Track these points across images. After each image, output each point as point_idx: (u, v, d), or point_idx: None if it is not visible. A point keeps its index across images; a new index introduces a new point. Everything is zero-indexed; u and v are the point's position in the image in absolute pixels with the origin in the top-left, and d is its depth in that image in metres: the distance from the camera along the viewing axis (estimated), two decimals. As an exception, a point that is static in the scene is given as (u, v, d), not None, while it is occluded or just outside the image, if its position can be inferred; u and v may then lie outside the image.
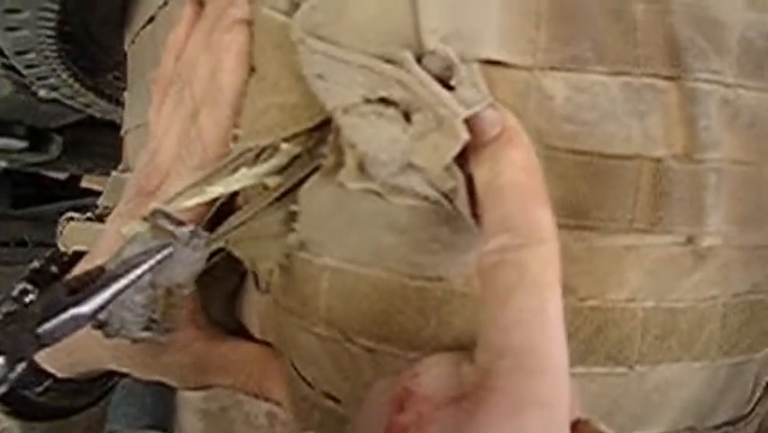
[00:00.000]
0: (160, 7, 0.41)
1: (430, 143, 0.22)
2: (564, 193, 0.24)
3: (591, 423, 0.23)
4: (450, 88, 0.22)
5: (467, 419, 0.19)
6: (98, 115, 0.71)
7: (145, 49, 0.45)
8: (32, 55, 0.52)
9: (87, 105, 0.67)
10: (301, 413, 0.29)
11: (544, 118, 0.24)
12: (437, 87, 0.21)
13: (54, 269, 0.41)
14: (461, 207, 0.23)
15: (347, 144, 0.24)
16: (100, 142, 0.99)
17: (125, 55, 0.52)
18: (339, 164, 0.25)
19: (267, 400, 0.32)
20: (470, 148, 0.22)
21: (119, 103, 0.67)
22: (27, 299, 0.38)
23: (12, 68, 0.58)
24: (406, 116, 0.22)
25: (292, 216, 0.26)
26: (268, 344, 0.32)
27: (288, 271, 0.27)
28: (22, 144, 0.89)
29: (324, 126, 0.26)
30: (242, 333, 0.34)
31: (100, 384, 0.42)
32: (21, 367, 0.37)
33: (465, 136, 0.21)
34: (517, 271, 0.20)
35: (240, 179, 0.27)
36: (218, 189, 0.28)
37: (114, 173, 0.49)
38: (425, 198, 0.24)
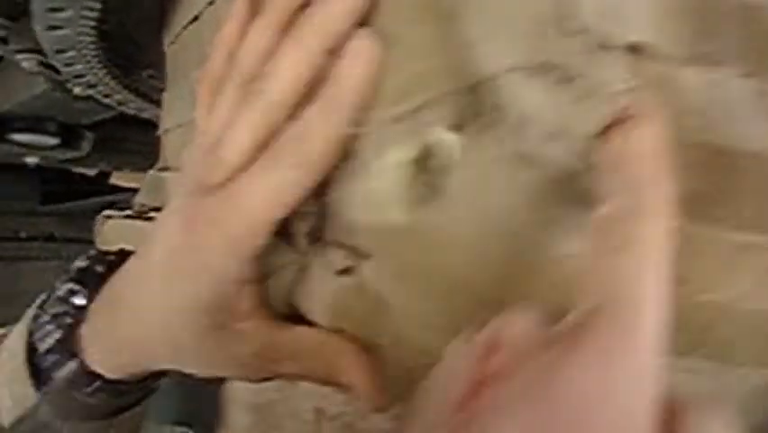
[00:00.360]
0: (207, 6, 0.40)
1: (584, 109, 0.22)
2: (689, 185, 0.24)
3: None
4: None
5: (557, 363, 0.20)
6: (132, 112, 0.71)
7: (188, 48, 0.45)
8: (71, 53, 0.52)
9: (122, 103, 0.67)
10: (411, 384, 0.28)
11: (675, 110, 0.24)
12: (597, 57, 0.22)
13: (100, 268, 0.41)
14: (596, 182, 0.23)
15: (497, 108, 0.24)
16: (130, 138, 1.00)
17: (161, 53, 0.52)
18: (485, 128, 0.25)
19: (335, 385, 0.32)
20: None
21: (153, 101, 0.67)
22: (75, 300, 0.38)
23: (48, 65, 0.58)
24: (564, 81, 0.23)
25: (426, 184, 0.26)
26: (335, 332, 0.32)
27: (412, 237, 0.27)
28: (54, 141, 0.90)
29: (473, 89, 0.25)
30: (303, 325, 0.33)
31: (145, 386, 0.42)
32: (72, 366, 0.38)
33: (617, 107, 0.22)
34: (629, 232, 0.21)
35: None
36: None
37: (151, 172, 0.49)
38: (566, 171, 0.24)
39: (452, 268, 0.26)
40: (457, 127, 0.26)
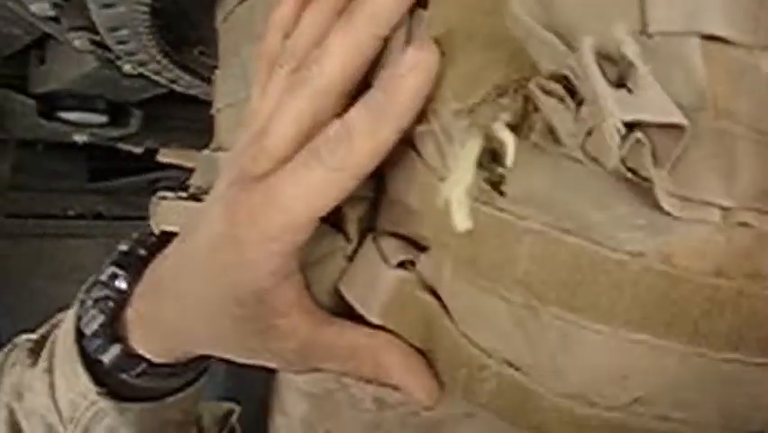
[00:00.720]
0: (261, -17, 0.39)
1: (598, 139, 0.21)
2: None
3: None
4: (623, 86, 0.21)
5: None
6: (181, 89, 0.71)
7: (241, 25, 0.44)
8: (124, 31, 0.51)
9: (173, 81, 0.67)
10: (470, 383, 0.28)
11: (756, 99, 0.23)
12: (600, 83, 0.20)
13: (143, 252, 0.41)
14: (657, 185, 0.22)
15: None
16: (177, 116, 1.00)
17: (213, 31, 0.51)
18: (540, 125, 0.24)
19: (381, 385, 0.31)
20: None
21: (203, 78, 0.67)
22: (118, 284, 0.39)
23: (100, 44, 0.58)
24: (579, 103, 0.21)
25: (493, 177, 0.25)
26: (382, 328, 0.31)
27: (475, 235, 0.26)
28: (102, 119, 0.90)
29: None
30: (351, 318, 0.32)
31: (194, 367, 0.42)
32: (116, 350, 0.38)
33: (615, 144, 0.20)
34: None
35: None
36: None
37: (205, 152, 0.49)
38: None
39: (515, 266, 0.26)
40: (519, 122, 0.25)
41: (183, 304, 0.33)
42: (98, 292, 0.39)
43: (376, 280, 0.30)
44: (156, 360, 0.38)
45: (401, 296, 0.30)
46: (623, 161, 0.22)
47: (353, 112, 0.28)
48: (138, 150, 1.14)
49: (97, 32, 0.53)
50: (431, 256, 0.29)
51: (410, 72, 0.26)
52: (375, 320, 0.31)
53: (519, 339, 0.26)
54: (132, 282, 0.39)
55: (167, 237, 0.39)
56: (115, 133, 0.95)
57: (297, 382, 0.35)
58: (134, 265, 0.40)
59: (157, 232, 0.44)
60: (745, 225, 0.23)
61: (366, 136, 0.27)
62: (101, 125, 0.91)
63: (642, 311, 0.24)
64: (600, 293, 0.24)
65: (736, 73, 0.23)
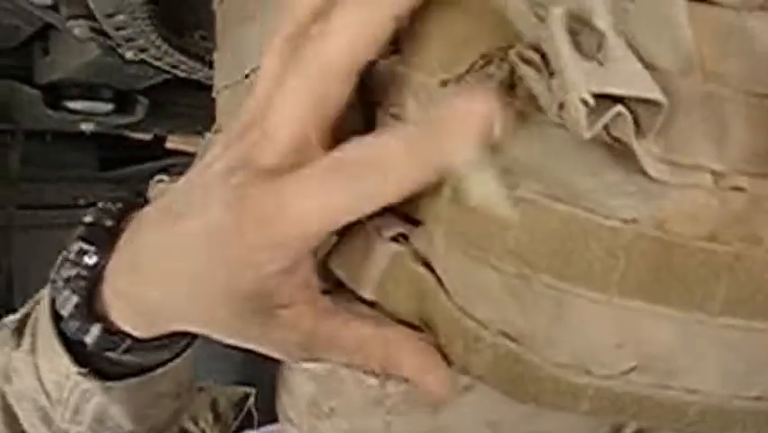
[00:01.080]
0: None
1: (569, 111, 0.21)
2: (762, 141, 0.23)
3: None
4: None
5: None
6: (185, 75, 0.71)
7: (236, 7, 0.44)
8: (121, 17, 0.51)
9: (174, 66, 0.67)
10: (466, 355, 0.28)
11: (745, 62, 0.23)
12: (564, 54, 0.20)
13: (108, 222, 0.38)
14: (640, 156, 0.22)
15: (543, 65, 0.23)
16: (183, 102, 1.00)
17: (211, 14, 0.51)
18: (525, 93, 0.24)
19: (390, 375, 0.30)
20: None
21: (205, 62, 0.67)
22: (87, 260, 0.36)
23: (100, 31, 0.58)
24: (552, 74, 0.21)
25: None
26: (373, 304, 0.31)
27: (466, 203, 0.26)
28: (108, 107, 0.91)
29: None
30: (338, 294, 0.32)
31: (183, 338, 0.40)
32: (96, 330, 0.36)
33: (582, 116, 0.20)
34: None
35: None
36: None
37: (207, 135, 0.49)
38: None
39: (506, 235, 0.25)
40: (506, 91, 0.24)
41: (171, 285, 0.31)
42: (68, 271, 0.37)
43: (369, 254, 0.30)
44: (141, 336, 0.36)
45: (395, 270, 0.30)
46: (607, 131, 0.22)
47: (392, 140, 0.26)
48: (147, 137, 1.14)
49: (96, 19, 0.53)
50: (424, 229, 0.29)
51: (461, 116, 0.25)
52: (368, 296, 0.31)
53: (513, 309, 0.26)
54: (103, 257, 0.36)
55: (132, 205, 0.38)
56: (121, 120, 0.95)
57: (301, 363, 0.35)
58: (102, 238, 0.37)
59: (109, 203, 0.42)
60: (738, 189, 0.22)
61: (403, 170, 0.26)
62: (107, 114, 0.92)
63: (636, 278, 0.24)
64: (593, 261, 0.24)
65: (723, 35, 0.23)
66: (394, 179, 0.26)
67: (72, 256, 0.37)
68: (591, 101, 0.20)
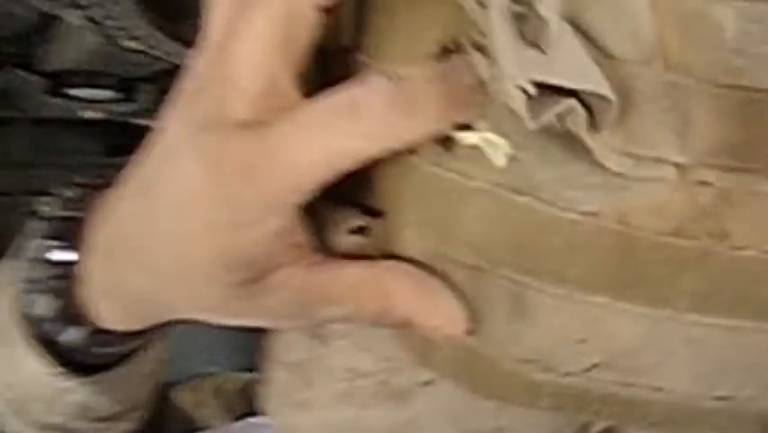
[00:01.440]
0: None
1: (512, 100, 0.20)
2: (727, 133, 0.22)
3: None
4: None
5: None
6: (181, 62, 0.71)
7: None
8: (109, 5, 0.51)
9: (170, 54, 0.67)
10: (424, 350, 0.28)
11: (710, 50, 0.22)
12: (498, 41, 0.20)
13: (69, 213, 0.35)
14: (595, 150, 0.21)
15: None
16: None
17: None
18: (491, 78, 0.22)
19: (390, 325, 0.28)
20: None
21: (201, 50, 0.67)
22: (55, 257, 0.34)
23: (93, 20, 0.58)
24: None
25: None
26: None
27: (429, 195, 0.25)
28: (110, 94, 0.91)
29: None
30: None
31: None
32: (77, 333, 0.34)
33: (521, 106, 0.20)
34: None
35: None
36: None
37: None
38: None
39: (462, 227, 0.25)
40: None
41: (152, 271, 0.29)
42: (38, 272, 0.34)
43: (328, 247, 0.29)
44: (128, 330, 0.34)
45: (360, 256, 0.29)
46: (561, 123, 0.21)
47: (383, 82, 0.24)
48: (154, 124, 1.14)
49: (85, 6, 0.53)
50: (385, 221, 0.28)
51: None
52: None
53: (471, 303, 0.26)
54: (72, 251, 0.33)
55: (88, 189, 0.35)
56: (126, 108, 0.95)
57: (274, 352, 0.35)
58: (69, 230, 0.34)
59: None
60: (705, 183, 0.22)
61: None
62: (111, 101, 0.92)
63: (598, 273, 0.24)
64: (553, 254, 0.24)
65: (687, 22, 0.22)
66: (372, 112, 0.24)
67: (40, 255, 0.35)
68: (532, 90, 0.19)
